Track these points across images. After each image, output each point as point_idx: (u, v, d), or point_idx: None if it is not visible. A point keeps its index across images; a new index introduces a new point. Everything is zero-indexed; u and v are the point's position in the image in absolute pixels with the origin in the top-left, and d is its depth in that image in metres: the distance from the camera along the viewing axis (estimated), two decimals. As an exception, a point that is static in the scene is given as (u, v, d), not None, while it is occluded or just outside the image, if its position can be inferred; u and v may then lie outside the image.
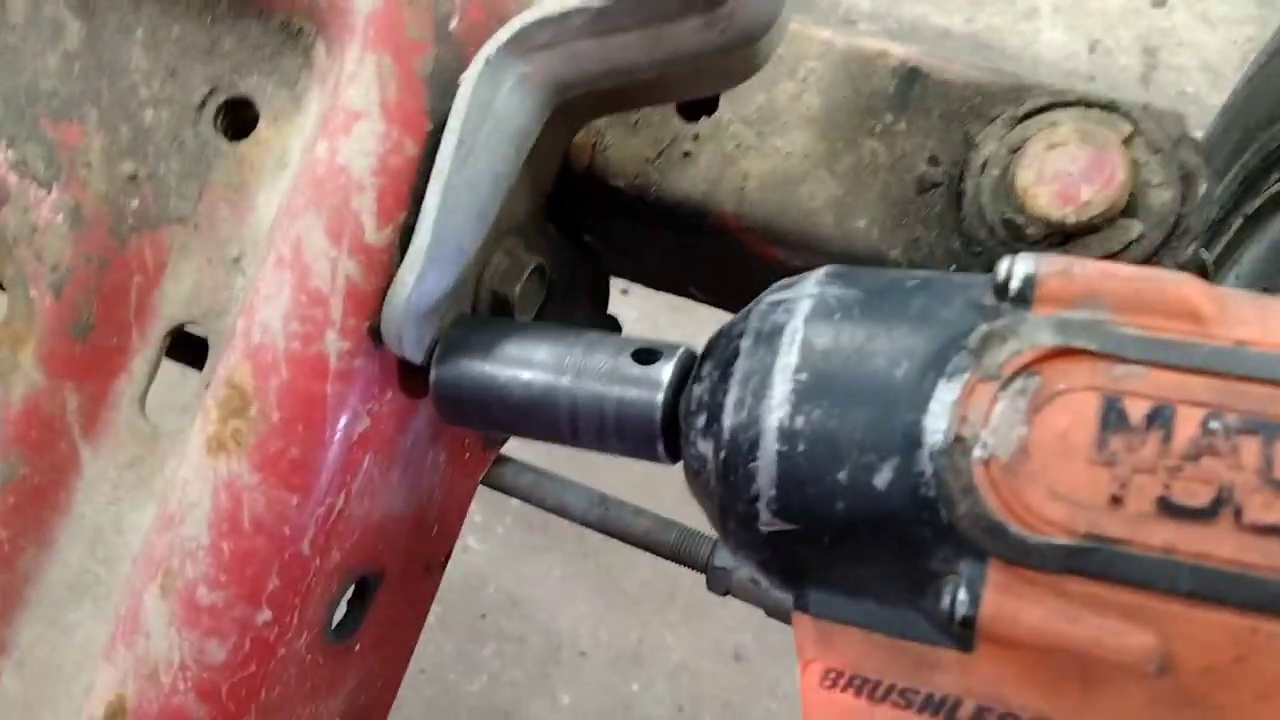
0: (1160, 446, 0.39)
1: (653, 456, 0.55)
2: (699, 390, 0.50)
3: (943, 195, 0.66)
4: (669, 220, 0.71)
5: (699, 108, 0.71)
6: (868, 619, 0.45)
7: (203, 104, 0.61)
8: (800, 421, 0.45)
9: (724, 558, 0.83)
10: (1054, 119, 0.63)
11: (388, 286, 0.55)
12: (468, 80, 0.53)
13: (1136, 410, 0.39)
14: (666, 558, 0.87)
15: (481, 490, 0.92)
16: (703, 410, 0.49)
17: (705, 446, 0.49)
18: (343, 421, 0.56)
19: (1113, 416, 0.40)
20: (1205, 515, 0.38)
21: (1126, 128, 0.62)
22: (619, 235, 0.76)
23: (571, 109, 0.60)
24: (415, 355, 0.56)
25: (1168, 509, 0.39)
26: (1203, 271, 0.67)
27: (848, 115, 0.69)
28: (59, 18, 0.60)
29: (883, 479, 0.43)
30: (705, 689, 2.27)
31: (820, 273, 0.49)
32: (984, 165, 0.64)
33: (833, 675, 0.46)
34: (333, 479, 0.56)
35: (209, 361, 0.58)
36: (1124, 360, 0.40)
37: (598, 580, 2.32)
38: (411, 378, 0.59)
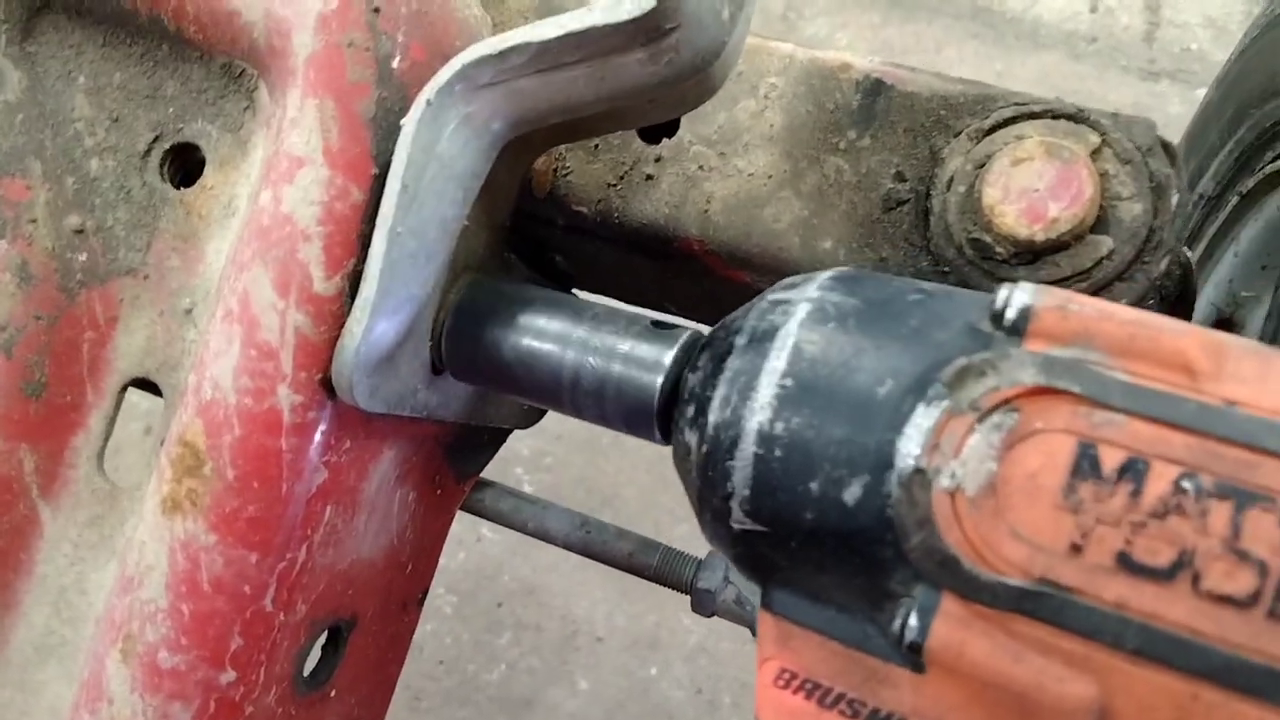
0: (1128, 500, 0.38)
1: (648, 436, 0.56)
2: (693, 380, 0.51)
3: (909, 213, 0.64)
4: (635, 245, 0.70)
5: (660, 130, 0.69)
6: (827, 626, 0.46)
7: (148, 151, 0.59)
8: (779, 427, 0.45)
9: (708, 579, 0.82)
10: (1020, 131, 0.61)
11: (339, 336, 0.54)
12: (409, 124, 0.52)
13: (1110, 460, 0.39)
14: (650, 580, 0.86)
15: (494, 478, 0.90)
16: (693, 401, 0.50)
17: (691, 437, 0.49)
18: (300, 476, 0.55)
19: (1085, 463, 0.39)
20: (1163, 576, 0.38)
21: (1095, 139, 0.60)
22: (588, 259, 0.75)
23: (525, 142, 0.58)
24: (369, 405, 0.55)
25: (1126, 564, 0.38)
26: (1186, 271, 0.65)
27: (811, 132, 0.67)
28: (-2, 68, 0.59)
29: (852, 495, 0.43)
30: (724, 670, 2.27)
31: (825, 275, 0.49)
32: (950, 181, 0.62)
33: (787, 675, 0.46)
34: (293, 534, 0.55)
35: (163, 417, 0.57)
36: (1105, 406, 0.40)
37: (612, 565, 2.32)
38: (371, 423, 0.58)
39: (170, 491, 0.54)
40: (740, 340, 0.48)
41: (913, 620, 0.41)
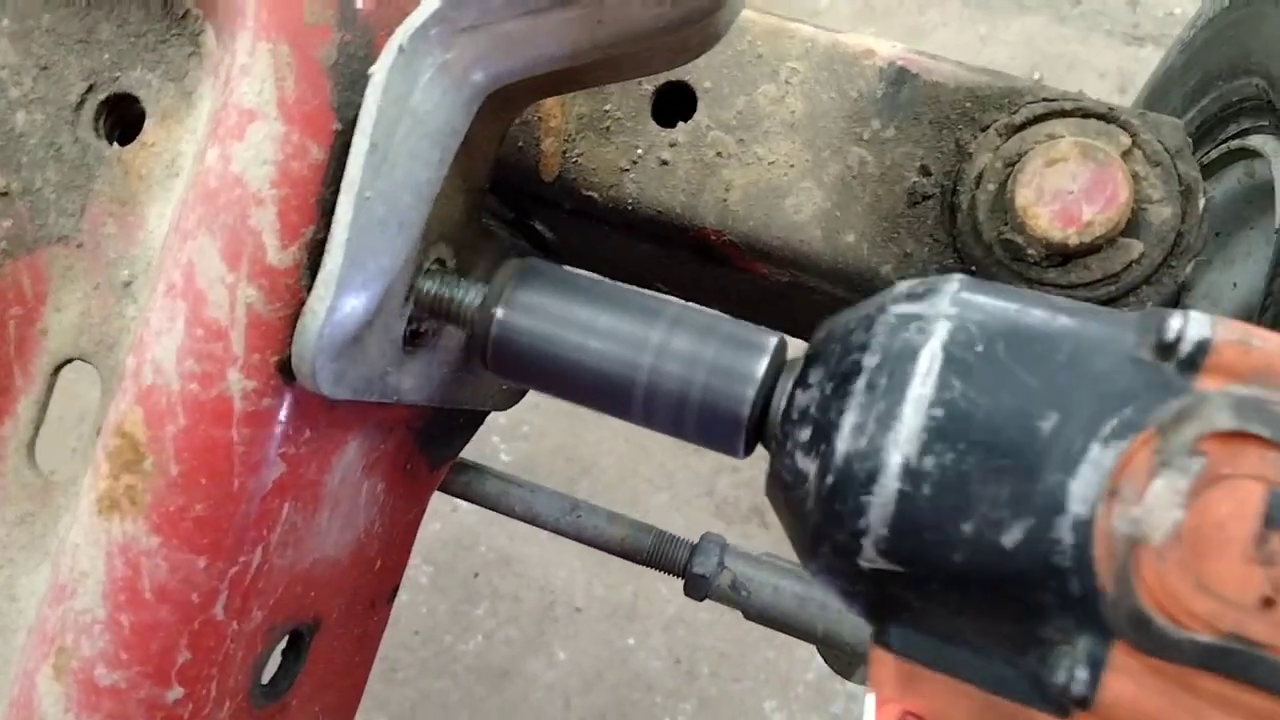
0: None
1: (727, 449, 0.52)
2: (804, 400, 0.47)
3: (935, 208, 0.63)
4: (646, 232, 0.68)
5: (675, 112, 0.67)
6: (959, 668, 0.43)
7: (80, 103, 0.53)
8: (929, 463, 0.41)
9: (702, 565, 0.78)
10: (1051, 130, 0.60)
11: (297, 313, 0.48)
12: (378, 73, 0.45)
13: None
14: (642, 564, 0.82)
15: (470, 448, 0.87)
16: (808, 424, 0.46)
17: (807, 464, 0.45)
18: (254, 471, 0.49)
19: (1276, 512, 0.37)
20: None
21: (1125, 139, 0.60)
22: (591, 243, 0.72)
23: (507, 95, 0.52)
24: (334, 391, 0.49)
25: None
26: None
27: (833, 120, 0.65)
28: (-92, 8, 0.52)
29: (1011, 539, 0.40)
30: (701, 640, 2.26)
31: (952, 288, 0.45)
32: (979, 178, 0.61)
33: None
34: (246, 535, 0.50)
35: (100, 403, 0.51)
36: None
37: (590, 536, 2.29)
38: (334, 410, 0.52)
39: (107, 488, 0.48)
40: (870, 360, 0.44)
41: (1080, 673, 0.39)
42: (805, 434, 0.45)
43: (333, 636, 0.61)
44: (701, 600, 0.82)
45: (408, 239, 0.49)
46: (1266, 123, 1.06)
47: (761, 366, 0.50)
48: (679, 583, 2.36)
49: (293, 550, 0.53)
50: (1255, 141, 1.09)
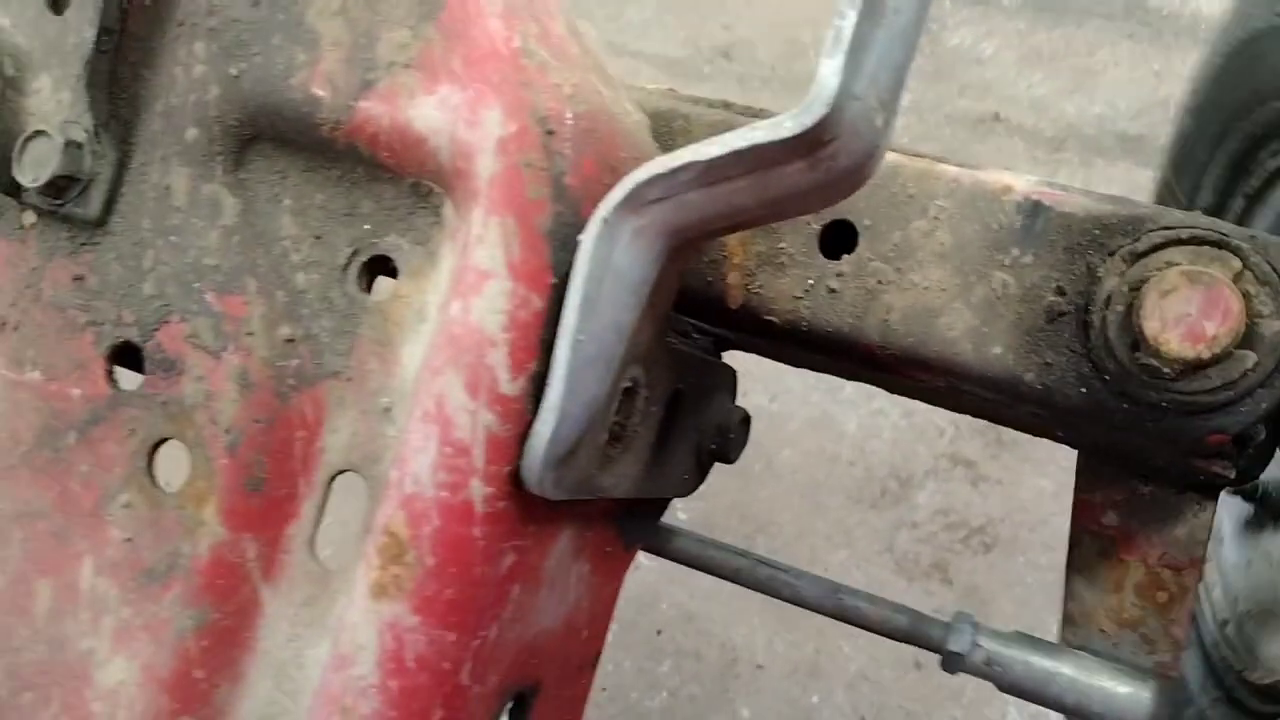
0: None
1: None
2: None
3: (1070, 323, 0.71)
4: (820, 348, 0.78)
5: (840, 246, 0.77)
6: None
7: (347, 264, 0.65)
8: None
9: (957, 642, 0.87)
10: (1169, 257, 0.68)
11: (524, 431, 0.59)
12: (586, 240, 0.56)
13: None
14: (901, 641, 0.91)
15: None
16: None
17: None
18: (492, 561, 0.60)
19: None
20: None
21: (1236, 264, 0.67)
22: (771, 351, 0.84)
23: (688, 242, 0.62)
24: (555, 494, 0.60)
25: None
26: None
27: (977, 249, 0.74)
28: (216, 196, 0.66)
29: None
30: (886, 698, 2.27)
31: None
32: (1108, 300, 0.69)
33: None
34: (485, 613, 0.60)
35: (368, 506, 0.63)
36: None
37: (769, 593, 2.33)
38: (552, 507, 0.63)
39: (378, 578, 0.60)
40: None
41: None
42: None
43: (550, 697, 0.71)
44: (954, 674, 0.91)
45: (611, 371, 0.60)
46: None
47: None
48: (862, 640, 2.37)
49: (520, 624, 0.64)
50: None
